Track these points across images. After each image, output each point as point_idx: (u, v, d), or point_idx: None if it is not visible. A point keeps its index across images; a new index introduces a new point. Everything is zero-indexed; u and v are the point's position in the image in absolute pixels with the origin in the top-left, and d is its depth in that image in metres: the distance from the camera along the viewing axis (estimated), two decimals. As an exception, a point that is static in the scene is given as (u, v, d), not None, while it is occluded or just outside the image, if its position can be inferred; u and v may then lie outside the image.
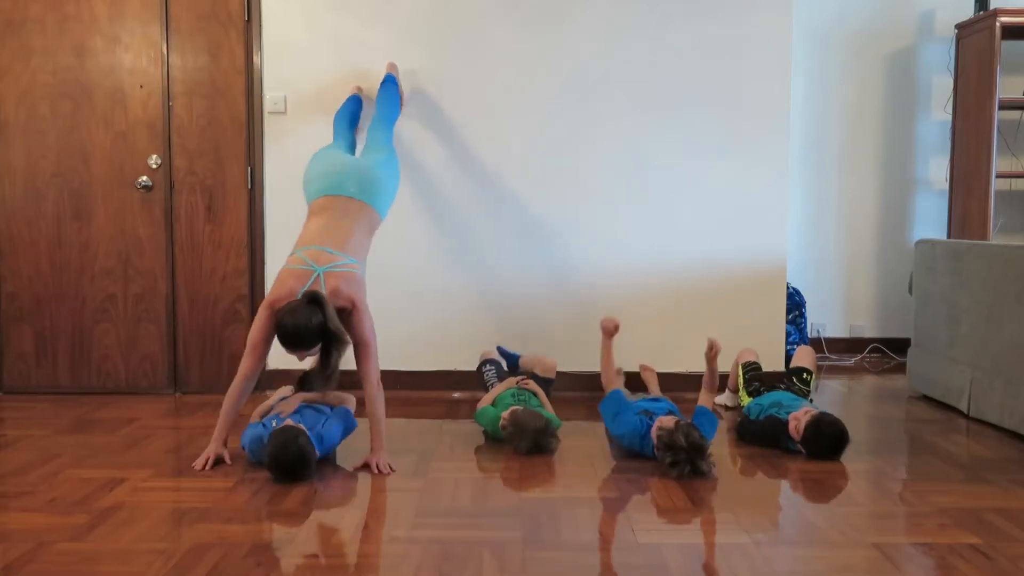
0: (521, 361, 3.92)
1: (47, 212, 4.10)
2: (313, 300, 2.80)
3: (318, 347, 2.84)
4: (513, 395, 3.41)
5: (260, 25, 4.06)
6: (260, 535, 2.35)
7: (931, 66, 5.17)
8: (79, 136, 4.08)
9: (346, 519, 2.47)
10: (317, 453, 2.87)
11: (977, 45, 4.79)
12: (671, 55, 4.11)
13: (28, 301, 4.13)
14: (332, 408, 3.16)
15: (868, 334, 5.24)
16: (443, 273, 4.16)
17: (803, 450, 3.09)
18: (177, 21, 4.04)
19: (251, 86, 4.07)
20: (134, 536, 2.32)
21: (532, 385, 3.54)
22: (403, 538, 2.32)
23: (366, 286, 3.08)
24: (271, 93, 4.08)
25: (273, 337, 2.91)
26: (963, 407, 3.73)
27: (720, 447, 3.21)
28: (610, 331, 3.42)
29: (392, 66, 4.00)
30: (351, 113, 3.87)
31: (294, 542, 2.29)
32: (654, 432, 2.94)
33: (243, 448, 3.01)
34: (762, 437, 3.26)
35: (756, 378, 3.70)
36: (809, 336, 5.07)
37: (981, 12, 4.80)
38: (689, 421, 2.99)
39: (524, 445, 3.09)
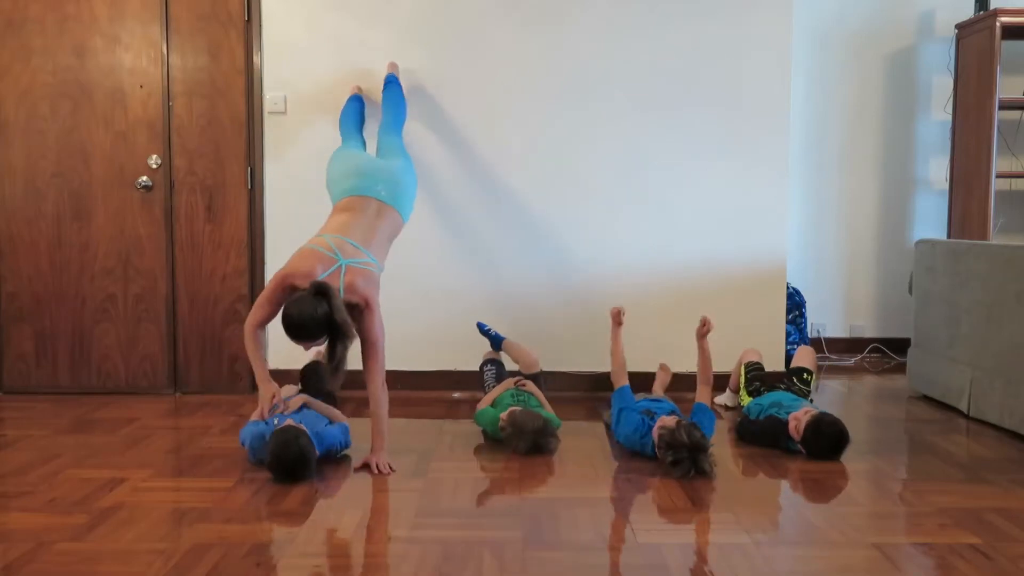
0: (505, 344, 3.90)
1: (47, 212, 4.10)
2: (320, 291, 2.78)
3: (324, 339, 2.83)
4: (512, 396, 3.41)
5: (260, 25, 4.06)
6: (260, 535, 2.35)
7: (931, 66, 5.17)
8: (79, 136, 4.08)
9: (346, 519, 2.47)
10: (317, 453, 2.88)
11: (977, 45, 4.79)
12: (671, 55, 4.11)
13: (28, 301, 4.13)
14: (330, 424, 3.16)
15: (868, 334, 5.24)
16: (443, 273, 4.16)
17: (803, 450, 3.09)
18: (177, 21, 4.04)
19: (251, 86, 4.07)
20: (134, 536, 2.32)
21: (530, 386, 3.54)
22: (403, 538, 2.32)
23: (380, 287, 3.07)
24: (271, 93, 4.08)
25: (281, 304, 2.88)
26: (963, 407, 3.73)
27: (720, 447, 3.21)
28: (615, 318, 3.39)
29: (393, 65, 4.00)
30: (357, 113, 3.87)
31: (294, 542, 2.29)
32: (655, 432, 2.95)
33: (242, 445, 3.01)
34: (762, 437, 3.26)
35: (757, 378, 3.70)
36: (809, 336, 5.08)
37: (981, 12, 4.80)
38: (690, 420, 2.99)
39: (523, 446, 3.09)
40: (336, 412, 3.26)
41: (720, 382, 4.02)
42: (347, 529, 2.39)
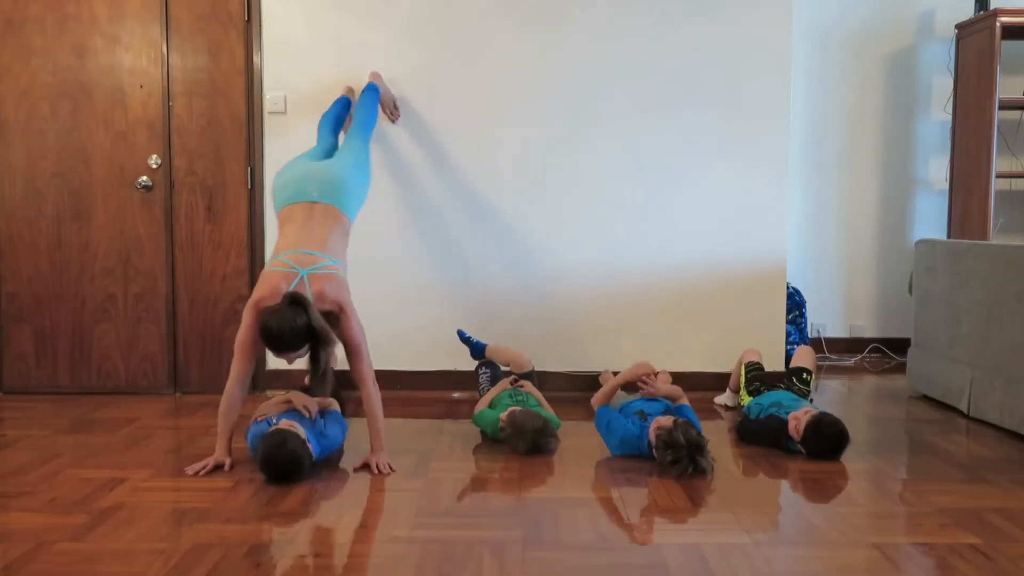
0: (488, 351, 3.87)
1: (47, 212, 4.10)
2: (295, 301, 2.76)
3: (306, 349, 2.82)
4: (510, 396, 3.41)
5: (260, 25, 4.06)
6: (260, 535, 2.34)
7: (931, 66, 5.17)
8: (79, 136, 4.08)
9: (346, 519, 2.47)
10: (314, 454, 2.87)
11: (977, 45, 4.79)
12: (671, 55, 4.11)
13: (28, 301, 4.13)
14: (324, 413, 3.12)
15: (868, 334, 5.24)
16: (443, 273, 4.16)
17: (803, 450, 3.09)
18: (177, 21, 4.04)
19: (251, 86, 4.07)
20: (134, 536, 2.32)
21: (529, 386, 3.54)
22: (403, 538, 2.32)
23: (349, 287, 3.04)
24: (271, 93, 4.08)
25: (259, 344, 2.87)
26: (963, 407, 3.73)
27: (720, 447, 3.21)
28: (643, 379, 3.34)
29: (375, 75, 3.98)
30: (336, 116, 3.82)
31: (294, 542, 2.29)
32: (652, 432, 2.95)
33: (249, 447, 3.00)
34: (762, 437, 3.26)
35: (757, 378, 3.69)
36: (809, 336, 5.08)
37: (981, 12, 4.80)
38: (686, 419, 3.00)
39: (523, 446, 3.09)
40: (329, 400, 3.17)
41: (720, 382, 4.03)
42: (347, 529, 2.39)
